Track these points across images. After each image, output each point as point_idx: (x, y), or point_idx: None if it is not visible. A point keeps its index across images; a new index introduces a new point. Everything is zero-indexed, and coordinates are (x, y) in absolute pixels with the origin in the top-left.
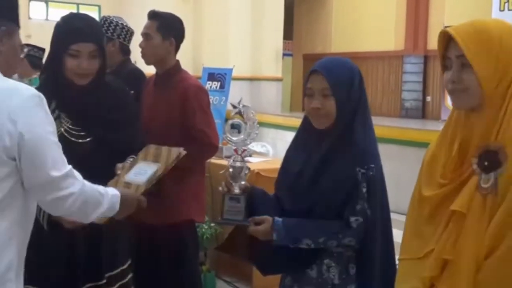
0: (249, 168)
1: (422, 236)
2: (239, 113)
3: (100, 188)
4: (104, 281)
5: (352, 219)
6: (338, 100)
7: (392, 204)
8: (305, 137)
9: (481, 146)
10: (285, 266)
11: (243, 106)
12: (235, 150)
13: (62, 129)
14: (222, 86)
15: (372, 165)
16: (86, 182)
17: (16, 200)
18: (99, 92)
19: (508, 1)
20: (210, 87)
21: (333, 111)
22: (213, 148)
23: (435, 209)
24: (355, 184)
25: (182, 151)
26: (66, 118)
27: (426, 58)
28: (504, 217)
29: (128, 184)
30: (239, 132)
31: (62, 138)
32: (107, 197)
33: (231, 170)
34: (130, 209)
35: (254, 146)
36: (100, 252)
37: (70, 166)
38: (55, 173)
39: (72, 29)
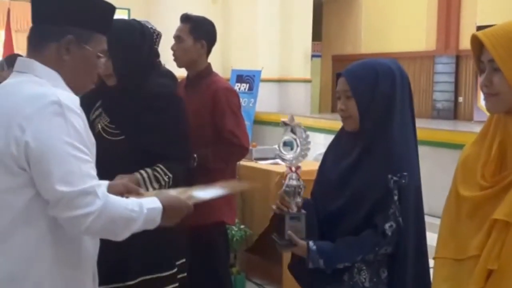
0: (305, 186)
1: (460, 236)
2: (291, 130)
3: (134, 203)
4: (132, 282)
5: (386, 226)
6: (358, 101)
7: (425, 206)
8: (341, 140)
9: None
10: (318, 277)
11: (295, 123)
12: (290, 168)
13: (100, 127)
14: (250, 88)
15: (405, 173)
16: (114, 199)
17: (39, 213)
18: (134, 93)
19: None
20: (239, 89)
21: (355, 113)
22: (243, 150)
23: (474, 210)
24: (386, 192)
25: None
26: (105, 116)
27: (458, 58)
28: None
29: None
30: (291, 149)
31: (99, 136)
32: (142, 213)
33: (287, 189)
34: (178, 216)
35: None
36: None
37: (93, 183)
38: (64, 188)
39: None
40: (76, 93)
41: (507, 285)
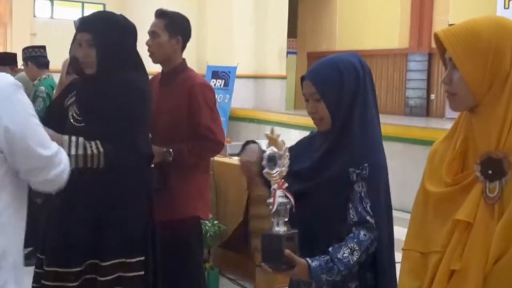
0: (292, 203)
1: (426, 230)
2: (273, 144)
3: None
4: (107, 263)
5: (371, 219)
6: (328, 103)
7: (397, 202)
8: (317, 138)
9: (483, 154)
10: None
11: (276, 135)
12: (277, 185)
13: (70, 114)
14: (226, 84)
15: (366, 165)
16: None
17: (5, 190)
18: (102, 83)
19: None
20: (214, 85)
21: (326, 114)
22: (219, 146)
23: (438, 206)
24: (350, 185)
25: None
26: (75, 104)
27: (430, 56)
28: (510, 221)
29: None
30: (274, 164)
31: (69, 122)
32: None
33: (279, 207)
34: None
35: (261, 144)
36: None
37: (54, 142)
38: (47, 153)
39: (79, 21)
40: None
41: (469, 284)
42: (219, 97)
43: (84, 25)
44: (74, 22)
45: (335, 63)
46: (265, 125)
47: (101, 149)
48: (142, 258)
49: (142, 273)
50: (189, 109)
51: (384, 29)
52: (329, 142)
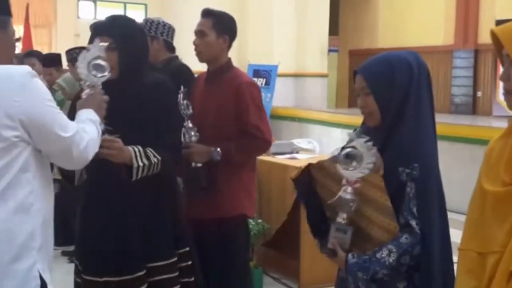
0: (357, 201)
1: (483, 230)
2: (357, 144)
3: (85, 124)
4: (143, 272)
5: (413, 222)
6: (378, 97)
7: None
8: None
9: None
10: None
11: (360, 136)
12: (347, 181)
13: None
14: (267, 83)
15: (416, 165)
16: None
17: (32, 170)
18: (131, 89)
19: None
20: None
21: (375, 109)
22: (267, 144)
23: (496, 205)
24: (400, 185)
25: None
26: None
27: (476, 53)
28: None
29: None
30: (352, 162)
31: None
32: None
33: (339, 200)
34: (93, 102)
35: (301, 143)
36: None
37: (73, 122)
38: (68, 134)
39: (95, 25)
40: None
41: None
42: None
43: (103, 29)
44: (90, 26)
45: (389, 58)
46: (307, 123)
47: (159, 157)
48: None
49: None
50: (237, 107)
51: (428, 25)
52: (379, 138)
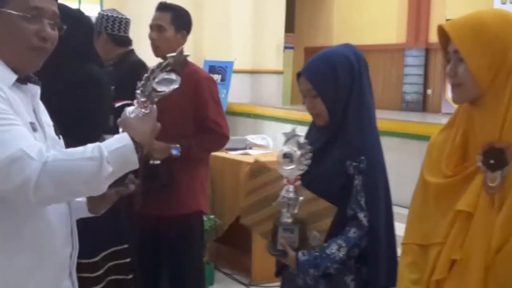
0: (300, 199)
1: (426, 222)
2: (292, 142)
3: (88, 147)
4: (98, 258)
5: (361, 215)
6: (325, 99)
7: (393, 197)
8: (313, 132)
9: (485, 143)
10: None
11: (295, 134)
12: (288, 180)
13: None
14: (223, 79)
15: (363, 157)
16: (57, 153)
17: None
18: (47, 81)
19: None
20: None
21: (323, 110)
22: (225, 139)
23: (438, 197)
24: (348, 178)
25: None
26: None
27: (427, 51)
28: (511, 211)
29: None
30: (291, 161)
31: None
32: (100, 151)
33: (282, 200)
34: (145, 126)
35: (255, 139)
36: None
37: (19, 146)
38: None
39: None
40: (17, 69)
41: (469, 274)
42: None
43: None
44: None
45: (330, 58)
46: (262, 120)
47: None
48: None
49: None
50: (196, 103)
51: (382, 24)
52: (326, 136)
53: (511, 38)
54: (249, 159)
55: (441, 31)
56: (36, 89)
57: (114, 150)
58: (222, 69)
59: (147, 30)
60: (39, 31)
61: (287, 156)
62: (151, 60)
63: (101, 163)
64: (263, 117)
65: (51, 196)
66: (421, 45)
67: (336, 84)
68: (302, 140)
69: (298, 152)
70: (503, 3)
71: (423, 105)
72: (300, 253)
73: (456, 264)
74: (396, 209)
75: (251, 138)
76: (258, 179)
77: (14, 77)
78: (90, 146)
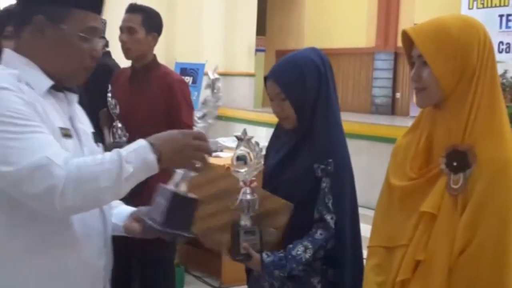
0: (258, 200)
1: (391, 225)
2: (245, 144)
3: (107, 154)
4: None
5: (328, 217)
6: (293, 102)
7: (362, 199)
8: (280, 135)
9: (448, 146)
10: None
11: (248, 137)
12: (244, 182)
13: None
14: (194, 81)
15: (330, 160)
16: (80, 160)
17: None
18: None
19: (476, 0)
20: None
21: (292, 113)
22: None
23: (403, 200)
24: (316, 181)
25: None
26: None
27: (396, 55)
28: (473, 213)
29: None
30: (245, 163)
31: None
32: (120, 157)
33: (240, 203)
34: (180, 153)
35: (226, 141)
36: None
37: (44, 154)
38: (7, 169)
39: (5, 11)
40: (61, 80)
41: (433, 275)
42: None
43: None
44: None
45: (297, 61)
46: (233, 122)
47: None
48: None
49: None
50: (168, 106)
51: (351, 28)
52: (294, 139)
53: (474, 42)
54: (220, 162)
55: (406, 35)
56: (73, 97)
57: (131, 151)
58: (194, 71)
59: (116, 33)
60: (92, 50)
61: (240, 159)
62: (122, 62)
63: (121, 163)
64: (234, 120)
65: (75, 203)
66: (390, 49)
67: (304, 87)
68: (253, 141)
69: (252, 154)
70: (470, 8)
71: (392, 108)
72: (264, 255)
73: (420, 265)
74: (365, 212)
75: (222, 140)
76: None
77: (49, 83)
78: (108, 152)
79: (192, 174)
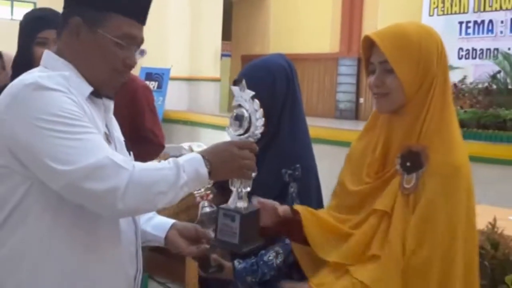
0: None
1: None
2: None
3: (165, 162)
4: None
5: None
6: (263, 108)
7: (325, 203)
8: None
9: (403, 147)
10: None
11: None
12: (200, 197)
13: None
14: (160, 86)
15: (298, 165)
16: (140, 164)
17: (34, 211)
18: None
19: (437, 7)
20: None
21: None
22: (161, 148)
23: (359, 204)
24: (284, 185)
25: None
26: None
27: (359, 61)
28: (422, 215)
29: None
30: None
31: None
32: (177, 166)
33: (202, 218)
34: (229, 165)
35: (191, 147)
36: None
37: (104, 154)
38: (65, 167)
39: (37, 18)
40: (97, 86)
41: (390, 270)
42: None
43: (51, 23)
44: None
45: (268, 67)
46: (199, 127)
47: None
48: None
49: None
50: (132, 111)
51: (316, 33)
52: (260, 143)
53: (434, 49)
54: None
55: (367, 41)
56: (110, 104)
57: (186, 161)
58: (159, 76)
59: None
60: (127, 58)
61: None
62: None
63: (178, 170)
64: (200, 125)
65: (134, 205)
66: (354, 55)
67: (274, 92)
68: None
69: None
70: (431, 15)
71: (356, 113)
72: (236, 262)
73: (374, 260)
74: None
75: (187, 145)
76: None
77: (89, 89)
78: (164, 161)
79: (248, 188)
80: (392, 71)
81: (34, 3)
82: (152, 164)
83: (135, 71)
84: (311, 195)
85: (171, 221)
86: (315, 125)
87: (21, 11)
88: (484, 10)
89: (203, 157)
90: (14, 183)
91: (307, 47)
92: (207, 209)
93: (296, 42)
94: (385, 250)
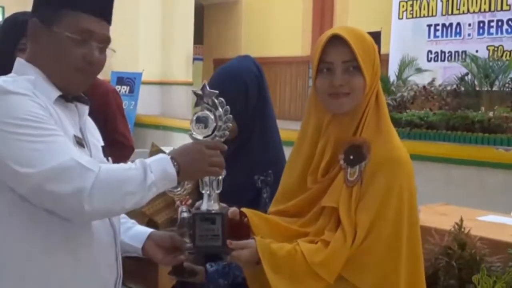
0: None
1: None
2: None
3: (132, 163)
4: None
5: None
6: (235, 113)
7: None
8: None
9: (346, 142)
10: None
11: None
12: (180, 201)
13: None
14: (131, 91)
15: (270, 171)
16: (107, 165)
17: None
18: None
19: (406, 10)
20: (119, 91)
21: (233, 125)
22: (132, 151)
23: (308, 207)
24: (257, 191)
25: None
26: None
27: None
28: (366, 208)
29: None
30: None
31: None
32: (143, 166)
33: (181, 223)
34: (196, 165)
35: (166, 151)
36: None
37: (70, 156)
38: (29, 170)
39: (20, 23)
40: (62, 87)
41: (336, 260)
42: (124, 104)
43: None
44: None
45: (238, 71)
46: (171, 131)
47: None
48: None
49: None
50: (104, 116)
51: (287, 37)
52: (232, 148)
53: (376, 52)
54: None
55: (326, 39)
56: (84, 109)
57: (153, 161)
58: (130, 80)
59: None
60: (86, 54)
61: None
62: None
63: (145, 170)
64: (172, 129)
65: (102, 206)
66: None
67: (246, 97)
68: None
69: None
70: (400, 18)
71: None
72: (208, 265)
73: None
74: None
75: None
76: None
77: (57, 93)
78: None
79: (219, 189)
80: (355, 71)
81: (3, 7)
82: (119, 165)
83: (106, 76)
84: None
85: (148, 231)
86: (287, 128)
87: None
88: (452, 13)
89: (171, 157)
90: None
91: (279, 50)
92: (185, 214)
93: (268, 46)
94: (334, 238)
